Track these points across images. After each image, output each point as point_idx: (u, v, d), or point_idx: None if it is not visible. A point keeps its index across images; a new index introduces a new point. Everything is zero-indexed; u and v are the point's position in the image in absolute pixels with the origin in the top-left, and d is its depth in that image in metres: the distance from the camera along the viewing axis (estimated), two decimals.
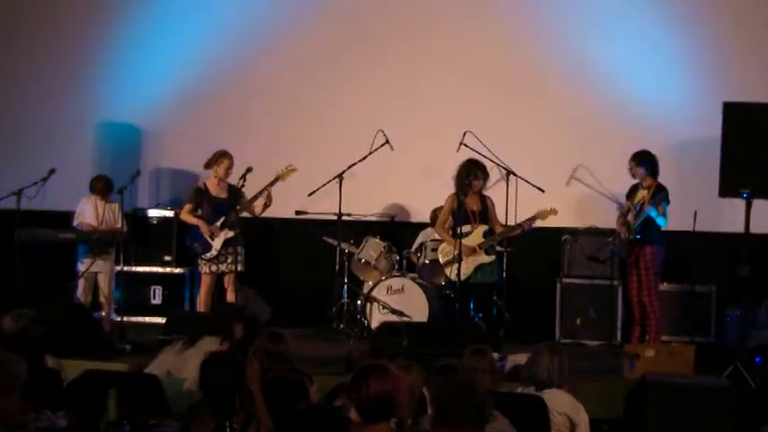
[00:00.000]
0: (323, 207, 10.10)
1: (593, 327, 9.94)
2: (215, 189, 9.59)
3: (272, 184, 9.40)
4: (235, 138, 10.66)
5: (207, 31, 11.24)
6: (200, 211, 9.60)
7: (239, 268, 9.49)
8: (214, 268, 9.51)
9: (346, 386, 4.46)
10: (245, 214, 9.58)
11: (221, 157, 9.53)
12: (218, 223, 9.45)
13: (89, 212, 9.93)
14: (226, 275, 9.52)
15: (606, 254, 9.69)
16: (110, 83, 11.39)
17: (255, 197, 9.43)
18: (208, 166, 9.61)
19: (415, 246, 10.28)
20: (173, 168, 11.43)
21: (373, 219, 10.68)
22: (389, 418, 4.31)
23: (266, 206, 9.52)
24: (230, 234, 9.40)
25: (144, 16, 11.39)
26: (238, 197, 9.53)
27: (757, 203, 8.54)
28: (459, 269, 8.88)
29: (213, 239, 9.46)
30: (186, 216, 9.63)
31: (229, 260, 9.42)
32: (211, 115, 11.19)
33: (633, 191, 9.28)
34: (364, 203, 10.54)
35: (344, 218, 10.03)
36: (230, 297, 9.50)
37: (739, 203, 8.56)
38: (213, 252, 9.46)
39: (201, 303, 9.63)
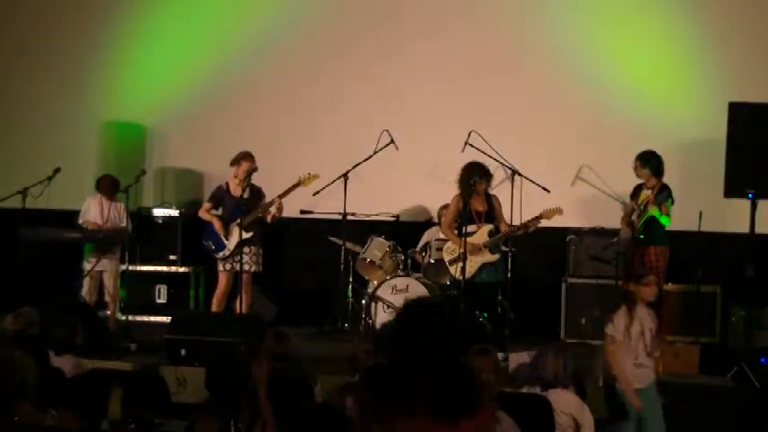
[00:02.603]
0: (328, 206, 10.10)
1: (598, 326, 9.92)
2: (236, 189, 9.57)
3: (292, 188, 9.38)
4: (239, 137, 10.68)
5: (212, 31, 11.27)
6: (220, 210, 9.61)
7: (254, 269, 9.49)
8: (229, 267, 9.51)
9: (352, 385, 4.44)
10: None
11: (242, 158, 9.48)
12: (234, 223, 9.42)
13: (94, 211, 9.94)
14: (243, 275, 9.48)
15: (611, 254, 9.68)
16: (115, 82, 11.42)
17: (272, 202, 9.39)
18: (232, 164, 9.60)
19: (420, 245, 10.29)
20: (177, 168, 11.45)
21: (378, 218, 10.68)
22: None
23: (275, 216, 9.47)
24: (246, 235, 9.37)
25: (149, 16, 11.42)
26: (260, 198, 9.52)
27: (762, 204, 8.54)
28: (464, 268, 8.88)
29: (228, 239, 9.45)
30: (203, 213, 9.65)
31: (245, 259, 9.40)
32: (216, 115, 11.21)
33: (637, 191, 9.26)
34: (369, 203, 10.55)
35: (349, 217, 10.02)
36: (244, 298, 9.42)
37: (744, 204, 8.55)
38: (226, 252, 9.46)
39: (215, 302, 9.62)
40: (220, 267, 9.56)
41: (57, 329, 6.67)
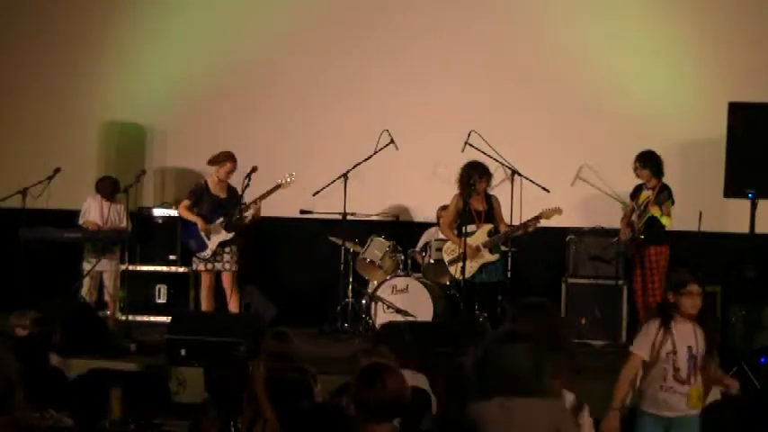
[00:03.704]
0: (328, 206, 10.10)
1: (598, 327, 9.92)
2: (215, 188, 9.62)
3: (271, 191, 9.38)
4: (239, 137, 10.70)
5: (212, 30, 11.26)
6: (200, 208, 9.64)
7: (234, 268, 9.53)
8: (210, 266, 9.55)
9: (353, 385, 4.42)
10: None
11: (225, 160, 9.52)
12: (217, 223, 9.46)
13: (94, 211, 9.95)
14: (223, 274, 9.55)
15: (611, 254, 9.68)
16: (115, 82, 11.42)
17: (248, 206, 9.38)
18: (211, 163, 9.61)
19: (420, 245, 10.29)
20: (177, 167, 11.44)
21: (378, 218, 10.68)
22: (395, 418, 4.31)
23: (254, 218, 9.45)
24: (227, 236, 9.44)
25: (149, 15, 11.41)
26: (237, 199, 9.55)
27: (762, 203, 8.54)
28: (463, 268, 8.89)
29: (209, 239, 9.48)
30: (184, 212, 9.66)
31: (225, 258, 9.48)
32: (216, 114, 11.21)
33: (638, 191, 9.27)
34: (369, 203, 10.55)
35: (349, 217, 10.02)
36: (231, 297, 9.51)
37: (744, 204, 8.55)
38: (208, 252, 9.49)
39: (204, 302, 9.65)
40: (201, 267, 9.59)
41: (37, 329, 6.69)
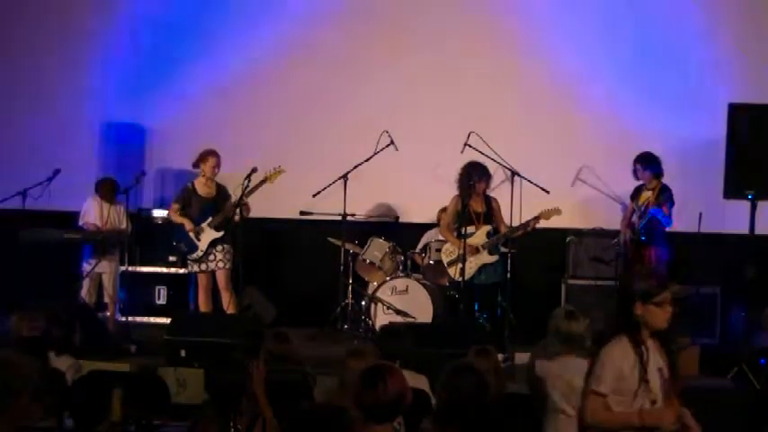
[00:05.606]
0: (327, 207, 10.10)
1: (598, 328, 9.89)
2: (202, 189, 9.62)
3: (258, 186, 9.35)
4: (239, 138, 10.70)
5: (212, 31, 11.24)
6: (188, 211, 9.64)
7: (228, 266, 9.53)
8: (204, 267, 9.55)
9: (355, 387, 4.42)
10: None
11: (207, 155, 9.56)
12: (205, 224, 9.46)
13: (94, 212, 9.95)
14: (216, 273, 9.55)
15: (611, 255, 9.68)
16: (114, 83, 11.40)
17: (239, 202, 9.36)
18: (196, 165, 9.64)
19: (420, 246, 10.28)
20: (177, 169, 11.41)
21: (378, 219, 10.67)
22: (396, 419, 4.31)
23: (243, 215, 9.38)
24: (217, 234, 9.45)
25: (149, 17, 11.40)
26: (226, 198, 9.54)
27: (762, 205, 8.55)
28: (463, 269, 8.88)
29: (199, 239, 9.48)
30: (173, 215, 9.68)
31: (218, 257, 9.49)
32: (216, 116, 11.19)
33: (638, 192, 9.28)
34: (369, 204, 10.55)
35: (349, 218, 10.02)
36: (225, 296, 9.51)
37: (744, 204, 8.56)
38: (199, 252, 9.49)
39: (202, 303, 9.65)
40: (195, 268, 9.60)
41: (55, 329, 6.68)
